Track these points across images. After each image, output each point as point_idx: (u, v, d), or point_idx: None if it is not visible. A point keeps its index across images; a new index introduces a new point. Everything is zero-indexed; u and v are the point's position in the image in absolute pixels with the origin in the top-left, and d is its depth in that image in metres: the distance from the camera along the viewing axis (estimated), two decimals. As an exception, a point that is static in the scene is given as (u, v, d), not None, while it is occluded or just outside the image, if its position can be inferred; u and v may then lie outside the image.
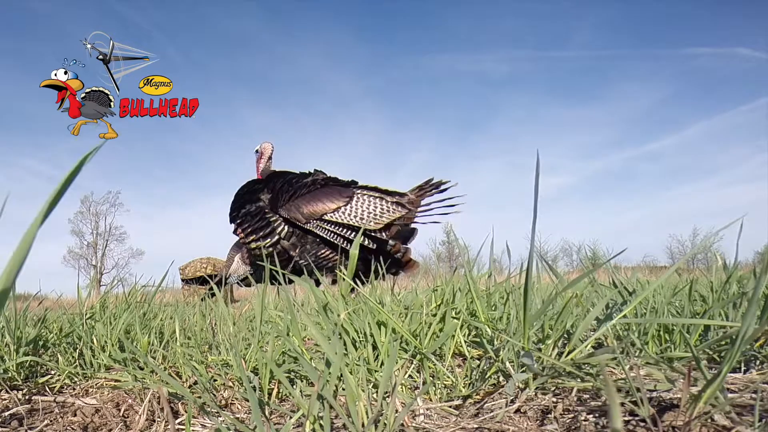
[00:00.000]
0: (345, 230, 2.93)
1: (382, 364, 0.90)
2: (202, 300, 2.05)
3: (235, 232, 3.14)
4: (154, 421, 0.85)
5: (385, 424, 0.61)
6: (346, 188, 3.06)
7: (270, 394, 0.88)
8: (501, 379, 0.84)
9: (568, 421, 0.69)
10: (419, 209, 3.11)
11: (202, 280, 5.02)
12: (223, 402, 0.91)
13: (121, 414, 0.90)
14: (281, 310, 1.35)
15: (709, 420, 0.58)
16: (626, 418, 0.65)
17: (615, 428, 0.29)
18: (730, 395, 0.68)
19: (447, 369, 0.89)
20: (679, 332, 0.92)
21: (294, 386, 0.89)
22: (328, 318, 0.98)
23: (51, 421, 0.87)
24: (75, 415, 0.89)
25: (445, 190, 3.12)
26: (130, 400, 0.94)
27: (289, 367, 0.93)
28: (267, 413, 0.82)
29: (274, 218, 3.00)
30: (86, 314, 1.33)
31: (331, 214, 2.92)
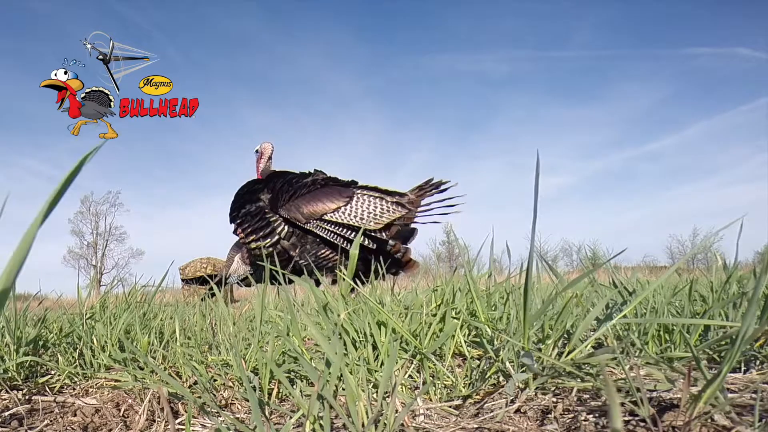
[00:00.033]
0: (345, 230, 2.93)
1: (382, 364, 0.90)
2: (202, 300, 2.05)
3: (235, 232, 3.14)
4: (154, 421, 0.85)
5: (385, 424, 0.61)
6: (346, 188, 3.06)
7: (270, 394, 0.88)
8: (501, 379, 0.84)
9: (568, 421, 0.69)
10: (419, 209, 3.11)
11: (202, 280, 5.02)
12: (223, 402, 0.91)
13: (121, 414, 0.90)
14: (281, 310, 1.35)
15: (709, 420, 0.58)
16: (626, 418, 0.65)
17: (615, 428, 0.29)
18: (730, 395, 0.68)
19: (447, 369, 0.89)
20: (679, 332, 0.92)
21: (294, 386, 0.89)
22: (328, 318, 0.98)
23: (51, 421, 0.87)
24: (75, 415, 0.89)
25: (444, 190, 3.12)
26: (130, 400, 0.94)
27: (289, 367, 0.93)
28: (267, 413, 0.82)
29: (274, 218, 3.00)
30: (86, 314, 1.33)
31: (331, 214, 2.92)
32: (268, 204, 3.06)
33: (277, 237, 2.98)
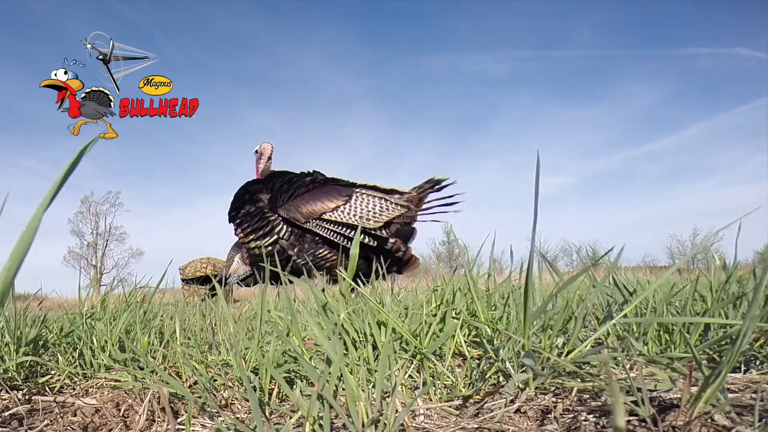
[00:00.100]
0: (344, 229, 2.93)
1: (382, 364, 0.90)
2: (202, 300, 2.05)
3: (234, 232, 3.14)
4: (154, 421, 0.85)
5: (385, 424, 0.61)
6: (345, 187, 3.06)
7: (270, 394, 0.88)
8: (501, 379, 0.84)
9: (568, 421, 0.69)
10: (419, 208, 3.11)
11: (202, 280, 5.01)
12: (223, 402, 0.91)
13: (121, 414, 0.90)
14: (281, 310, 1.35)
15: (710, 420, 0.58)
16: (626, 418, 0.65)
17: (617, 426, 0.29)
18: (730, 395, 0.68)
19: (447, 369, 0.89)
20: (679, 332, 0.92)
21: (294, 386, 0.89)
22: (328, 318, 0.98)
23: (51, 421, 0.87)
24: (75, 415, 0.89)
25: (444, 188, 3.12)
26: (130, 400, 0.94)
27: (289, 367, 0.93)
28: (267, 413, 0.82)
29: (274, 218, 3.00)
30: (86, 314, 1.33)
31: (330, 213, 2.92)
32: (268, 204, 3.06)
33: (276, 237, 2.98)
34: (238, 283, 3.73)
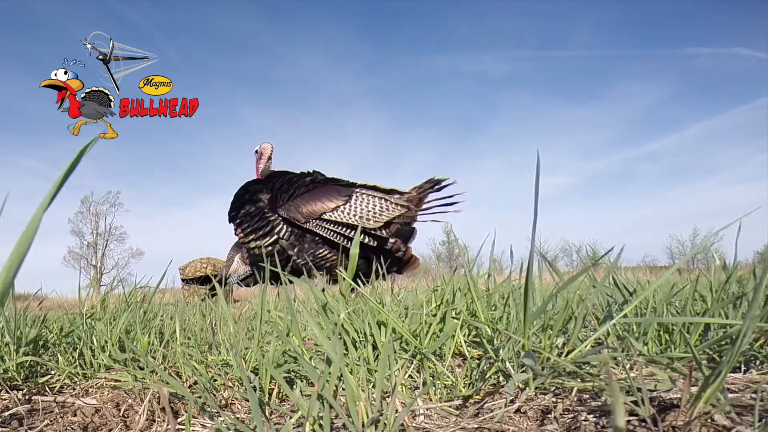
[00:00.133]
0: (344, 229, 2.93)
1: (382, 364, 0.90)
2: (202, 300, 2.05)
3: (234, 232, 3.14)
4: (154, 421, 0.85)
5: (385, 424, 0.61)
6: (345, 187, 3.06)
7: (270, 394, 0.88)
8: (501, 379, 0.84)
9: (568, 421, 0.69)
10: (419, 208, 3.11)
11: (202, 280, 5.01)
12: (223, 402, 0.91)
13: (121, 414, 0.90)
14: (281, 310, 1.35)
15: (710, 420, 0.58)
16: (626, 418, 0.65)
17: (617, 426, 0.29)
18: (730, 395, 0.68)
19: (447, 369, 0.89)
20: (679, 332, 0.92)
21: (294, 386, 0.89)
22: (327, 318, 0.98)
23: (51, 421, 0.87)
24: (75, 415, 0.89)
25: (444, 188, 3.12)
26: (130, 400, 0.94)
27: (289, 367, 0.93)
28: (267, 413, 0.82)
29: (274, 218, 3.00)
30: (86, 314, 1.33)
31: (330, 213, 2.92)
32: (268, 204, 3.06)
33: (276, 237, 2.98)
34: (238, 283, 3.73)
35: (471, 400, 0.81)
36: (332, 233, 2.93)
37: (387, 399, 0.67)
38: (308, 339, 1.13)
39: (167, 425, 0.81)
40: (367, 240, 2.92)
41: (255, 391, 0.83)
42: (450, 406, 0.78)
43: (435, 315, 1.01)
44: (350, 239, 2.91)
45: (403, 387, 0.86)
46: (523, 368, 0.78)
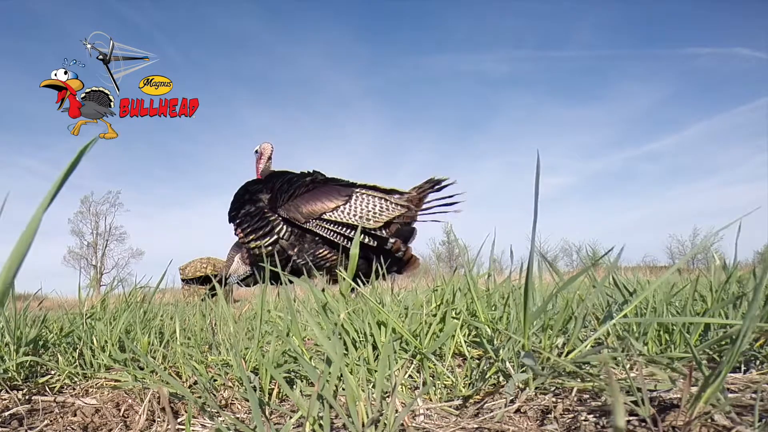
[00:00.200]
0: (344, 229, 2.93)
1: (382, 364, 0.90)
2: (202, 300, 2.05)
3: (234, 232, 3.14)
4: (154, 421, 0.85)
5: (385, 424, 0.61)
6: (345, 187, 3.06)
7: (270, 394, 0.88)
8: (501, 379, 0.84)
9: (568, 421, 0.69)
10: (419, 208, 3.11)
11: (202, 280, 5.01)
12: (223, 402, 0.91)
13: (121, 414, 0.90)
14: (281, 310, 1.35)
15: (710, 420, 0.58)
16: (626, 418, 0.65)
17: (617, 426, 0.29)
18: (730, 395, 0.68)
19: (447, 369, 0.89)
20: (679, 332, 0.92)
21: (294, 386, 0.89)
22: (328, 318, 0.98)
23: (51, 421, 0.87)
24: (75, 415, 0.89)
25: (444, 188, 3.12)
26: (130, 400, 0.94)
27: (289, 367, 0.93)
28: (267, 413, 0.82)
29: (274, 218, 3.00)
30: (86, 314, 1.33)
31: (330, 213, 2.92)
32: (268, 204, 3.06)
33: (276, 237, 2.98)
34: (238, 283, 3.73)
35: (471, 400, 0.81)
36: (332, 233, 2.93)
37: (387, 399, 0.67)
38: (308, 339, 1.13)
39: (167, 425, 0.81)
40: (367, 240, 2.92)
41: (255, 391, 0.83)
42: (450, 406, 0.78)
43: (435, 315, 1.01)
44: (350, 239, 2.91)
45: (403, 387, 0.86)
46: (523, 368, 0.78)
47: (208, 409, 0.83)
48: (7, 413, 0.89)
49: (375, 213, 2.93)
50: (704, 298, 1.14)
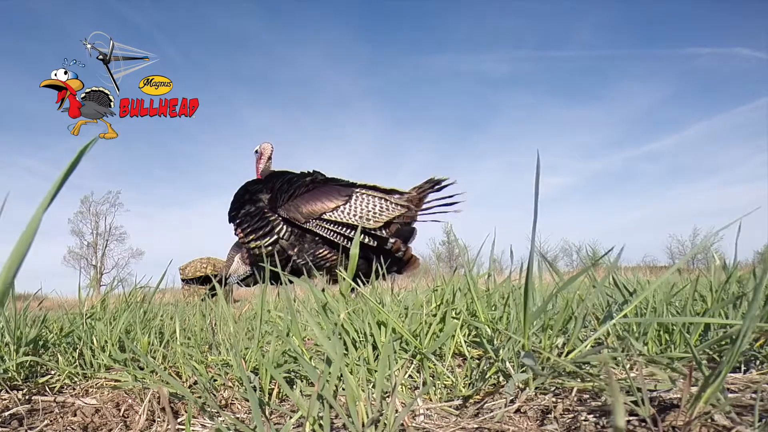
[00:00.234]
0: (344, 229, 2.93)
1: (382, 364, 0.90)
2: (202, 300, 2.05)
3: (234, 232, 3.14)
4: (154, 421, 0.85)
5: (385, 424, 0.61)
6: (345, 187, 3.06)
7: (270, 394, 0.88)
8: (501, 379, 0.84)
9: (568, 421, 0.69)
10: (419, 208, 3.11)
11: (202, 280, 5.01)
12: (223, 402, 0.91)
13: (121, 414, 0.90)
14: (281, 310, 1.35)
15: (710, 420, 0.58)
16: (626, 418, 0.65)
17: (617, 426, 0.29)
18: (730, 395, 0.68)
19: (447, 369, 0.89)
20: (679, 332, 0.92)
21: (294, 386, 0.89)
22: (328, 318, 0.98)
23: (51, 421, 0.87)
24: (75, 415, 0.89)
25: (444, 188, 3.12)
26: (130, 400, 0.94)
27: (289, 367, 0.93)
28: (267, 413, 0.82)
29: (274, 218, 3.00)
30: (86, 314, 1.33)
31: (330, 213, 2.92)
32: (268, 204, 3.06)
33: (276, 237, 2.98)
34: (238, 283, 3.73)
35: (471, 400, 0.81)
36: (332, 233, 2.93)
37: (387, 399, 0.67)
38: (308, 339, 1.13)
39: (167, 425, 0.81)
40: (367, 240, 2.92)
41: (255, 391, 0.83)
42: (450, 406, 0.78)
43: (435, 315, 1.01)
44: (350, 239, 2.91)
45: (403, 387, 0.86)
46: (523, 368, 0.78)
47: (208, 409, 0.83)
48: (7, 413, 0.89)
49: (375, 213, 2.93)
50: (704, 298, 1.14)
